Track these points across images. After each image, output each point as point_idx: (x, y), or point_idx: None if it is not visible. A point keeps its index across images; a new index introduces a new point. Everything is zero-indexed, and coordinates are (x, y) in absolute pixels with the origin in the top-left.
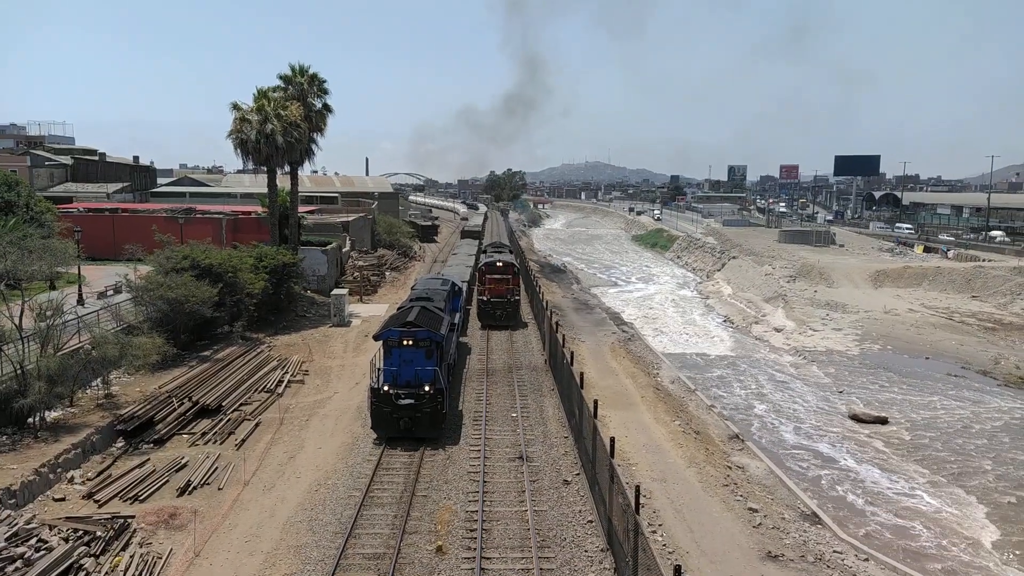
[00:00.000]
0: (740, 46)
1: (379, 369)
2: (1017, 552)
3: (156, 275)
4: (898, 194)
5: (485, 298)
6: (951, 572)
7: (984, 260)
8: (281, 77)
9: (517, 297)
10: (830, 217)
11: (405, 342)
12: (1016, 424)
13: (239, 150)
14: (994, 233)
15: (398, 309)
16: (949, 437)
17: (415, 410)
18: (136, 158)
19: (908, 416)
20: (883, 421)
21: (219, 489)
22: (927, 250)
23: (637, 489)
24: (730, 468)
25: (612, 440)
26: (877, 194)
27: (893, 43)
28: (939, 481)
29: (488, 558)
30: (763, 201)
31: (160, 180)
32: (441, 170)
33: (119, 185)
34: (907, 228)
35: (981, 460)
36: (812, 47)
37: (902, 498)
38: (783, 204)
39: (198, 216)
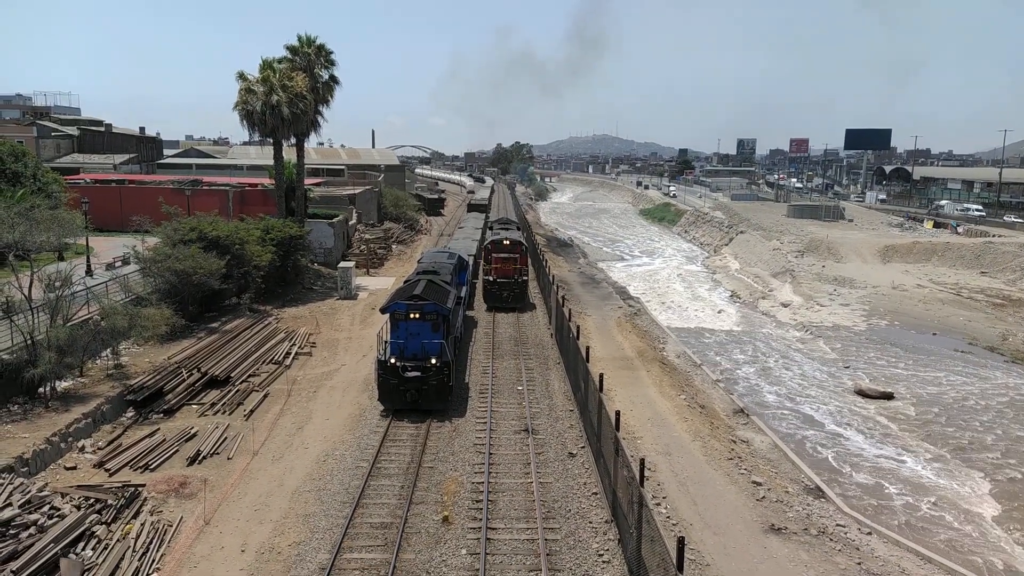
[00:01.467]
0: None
1: (386, 342)
2: (1020, 526)
3: (164, 247)
4: (909, 168)
5: (491, 279)
6: (954, 546)
7: (994, 236)
8: (288, 48)
9: (525, 277)
10: (859, 196)
11: (412, 315)
12: (1022, 400)
13: (245, 122)
14: (969, 205)
15: (405, 282)
16: (955, 413)
17: (422, 382)
18: (142, 129)
19: (914, 392)
20: (889, 396)
21: (228, 459)
22: (937, 225)
23: (642, 462)
24: (734, 442)
25: (617, 413)
26: (887, 168)
27: (909, 21)
28: (944, 456)
29: (494, 528)
30: (774, 176)
31: (166, 151)
32: (448, 142)
33: (125, 156)
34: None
35: (986, 436)
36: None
37: (907, 473)
38: (796, 180)
39: (205, 188)
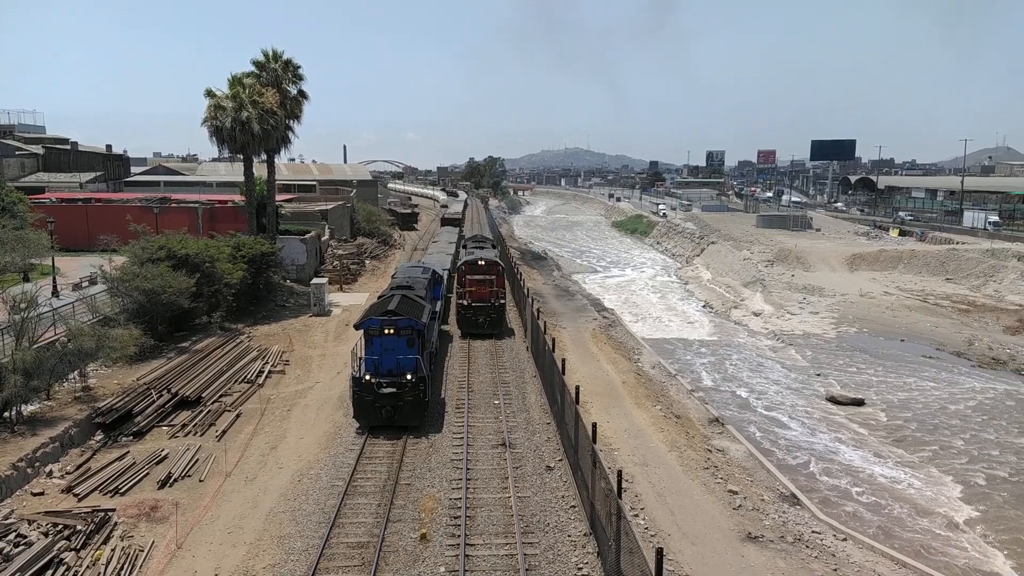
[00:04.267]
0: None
1: (360, 358)
2: (990, 529)
3: (132, 266)
4: (873, 178)
5: (465, 303)
6: (927, 550)
7: (958, 243)
8: (255, 63)
9: (503, 300)
10: (840, 204)
11: (386, 331)
12: (989, 404)
13: (214, 138)
14: (901, 214)
15: (379, 298)
16: (924, 418)
17: (397, 399)
18: (109, 147)
19: (884, 397)
20: (860, 403)
21: (200, 481)
22: (902, 234)
23: (619, 474)
24: (710, 451)
25: (594, 425)
26: (853, 178)
27: (870, 35)
28: (915, 461)
29: (472, 544)
30: (748, 188)
31: (134, 169)
32: (420, 157)
33: (92, 175)
34: (903, 215)
35: (955, 440)
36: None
37: (879, 478)
38: (768, 192)
39: (173, 205)
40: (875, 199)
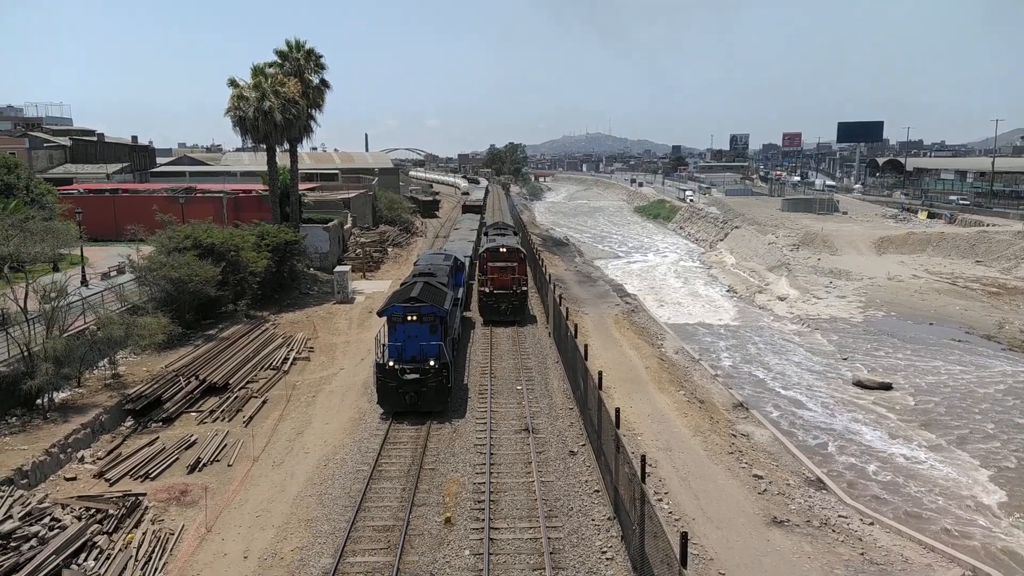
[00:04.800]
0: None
1: (384, 345)
2: (1021, 514)
3: (159, 255)
4: (901, 160)
5: (487, 290)
6: (955, 535)
7: (988, 225)
8: (277, 53)
9: (525, 288)
10: (857, 186)
11: (409, 317)
12: (1020, 388)
13: (237, 128)
14: (953, 197)
15: (401, 285)
16: (953, 402)
17: (420, 384)
18: (135, 138)
19: (912, 382)
20: (887, 387)
21: (228, 466)
22: (931, 216)
23: (643, 458)
24: (735, 436)
25: (617, 410)
26: (880, 160)
27: (897, 12)
28: (943, 445)
29: (496, 528)
30: (773, 172)
31: (159, 160)
32: (441, 144)
33: (118, 166)
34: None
35: (985, 424)
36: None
37: (906, 462)
38: (796, 175)
39: (198, 195)
40: (903, 181)
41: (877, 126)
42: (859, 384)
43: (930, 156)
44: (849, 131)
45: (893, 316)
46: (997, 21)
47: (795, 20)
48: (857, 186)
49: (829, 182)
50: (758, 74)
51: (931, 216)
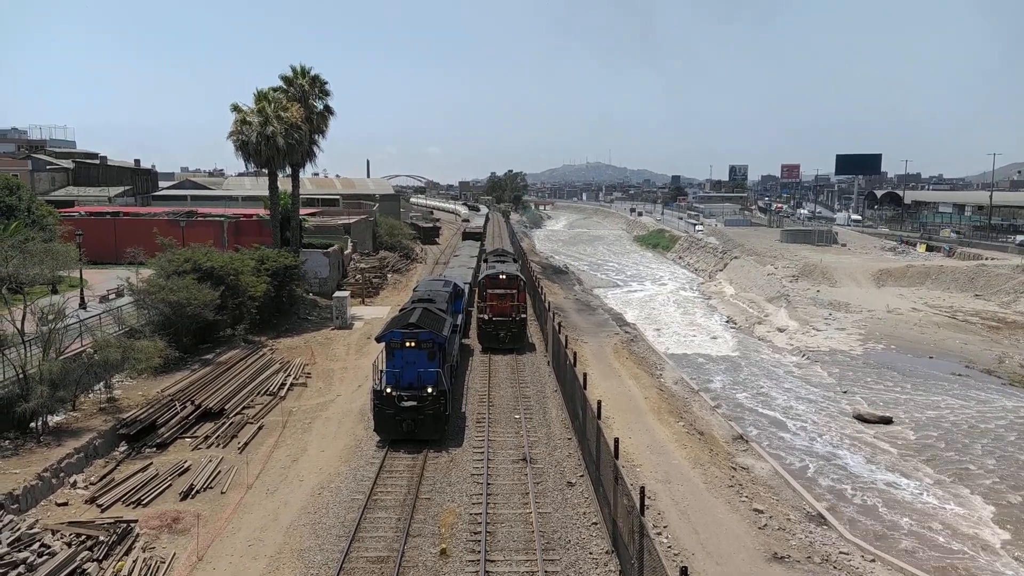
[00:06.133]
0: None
1: (382, 371)
2: (1022, 551)
3: (158, 278)
4: (900, 192)
5: (486, 317)
6: (959, 571)
7: (987, 258)
8: (282, 78)
9: (524, 315)
10: (856, 217)
11: (407, 344)
12: (1021, 423)
13: (240, 152)
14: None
15: (400, 311)
16: (954, 437)
17: (418, 412)
18: (137, 161)
19: (913, 416)
20: (888, 421)
21: (222, 493)
22: (930, 249)
23: (642, 490)
24: (735, 469)
25: (616, 441)
26: (879, 193)
27: (895, 42)
28: (945, 481)
29: (492, 560)
30: (775, 204)
31: (161, 183)
32: (442, 171)
33: (120, 189)
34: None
35: (987, 459)
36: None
37: (908, 498)
38: (803, 207)
39: (199, 219)
40: (901, 214)
41: (875, 159)
42: (859, 418)
43: (928, 189)
44: (847, 163)
45: (893, 349)
46: (1010, 62)
47: (794, 53)
48: (855, 216)
49: (818, 210)
50: (758, 105)
51: (930, 249)
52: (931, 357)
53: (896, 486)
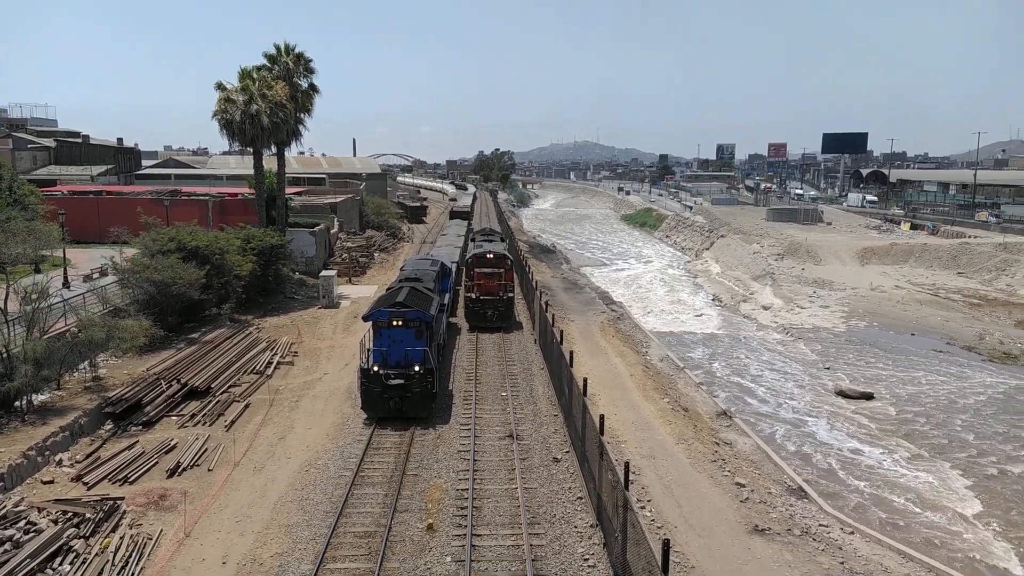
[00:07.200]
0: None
1: (369, 350)
2: (999, 523)
3: (142, 257)
4: (885, 171)
5: (474, 295)
6: (936, 544)
7: (970, 236)
8: (266, 56)
9: (511, 294)
10: (872, 198)
11: (395, 322)
12: (999, 398)
13: (224, 131)
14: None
15: (387, 290)
16: (934, 412)
17: (405, 390)
18: (120, 140)
19: (894, 391)
20: (869, 397)
21: (209, 470)
22: (914, 227)
23: (626, 465)
24: (718, 444)
25: (602, 417)
26: (864, 171)
27: (883, 22)
28: (924, 455)
29: (479, 535)
30: (763, 184)
31: (145, 162)
32: (430, 151)
33: (103, 167)
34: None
35: (965, 434)
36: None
37: (888, 472)
38: (798, 186)
39: (184, 198)
40: (887, 192)
41: (862, 137)
42: (841, 393)
43: (914, 168)
44: (834, 142)
45: (875, 326)
46: (967, 37)
47: (783, 32)
48: (870, 197)
49: (798, 190)
50: (746, 84)
51: (914, 227)
52: (913, 334)
53: (876, 460)
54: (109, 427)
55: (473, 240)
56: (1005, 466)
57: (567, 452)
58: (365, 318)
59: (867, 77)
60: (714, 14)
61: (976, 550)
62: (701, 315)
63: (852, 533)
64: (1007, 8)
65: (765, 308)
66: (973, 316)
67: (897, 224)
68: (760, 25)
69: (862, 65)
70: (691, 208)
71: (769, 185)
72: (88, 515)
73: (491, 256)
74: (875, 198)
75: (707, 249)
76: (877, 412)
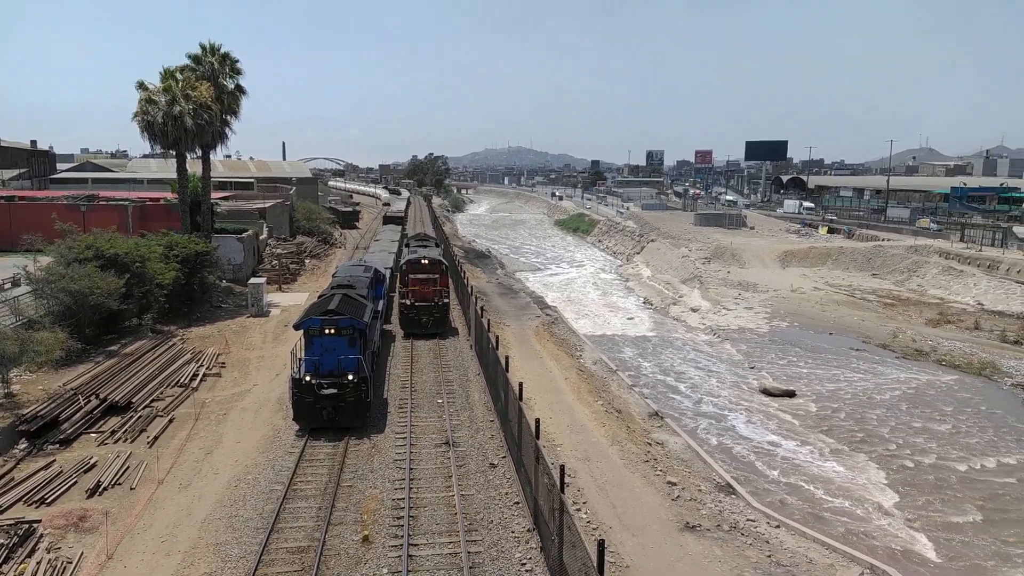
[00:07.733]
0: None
1: (300, 359)
2: (915, 513)
3: (57, 266)
4: (804, 178)
5: (408, 302)
6: (856, 534)
7: (883, 239)
8: (190, 56)
9: (446, 300)
10: (809, 204)
11: (327, 331)
12: (911, 393)
13: (145, 133)
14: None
15: (319, 297)
16: (852, 408)
17: (338, 399)
18: (34, 143)
19: (814, 389)
20: (791, 394)
21: (131, 489)
22: (831, 231)
23: (562, 468)
24: (650, 444)
25: (537, 421)
26: (785, 178)
27: (802, 37)
28: (843, 450)
29: (416, 544)
30: (692, 190)
31: (60, 166)
32: (362, 154)
33: (15, 171)
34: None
35: (882, 428)
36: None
37: (810, 466)
38: (729, 194)
39: (102, 203)
40: (805, 198)
41: (782, 145)
42: (765, 392)
43: (831, 174)
44: (756, 150)
45: (796, 326)
46: (881, 52)
47: (712, 43)
48: (807, 204)
49: (729, 196)
50: (674, 94)
51: (831, 231)
52: (831, 333)
53: (798, 455)
54: (24, 446)
55: (407, 246)
56: (919, 458)
57: (504, 457)
58: (296, 327)
59: (788, 87)
60: (647, 27)
61: (894, 539)
62: (633, 318)
63: (778, 527)
64: (918, 24)
65: (694, 310)
66: (887, 315)
67: (815, 228)
68: (689, 38)
69: (783, 76)
70: (623, 213)
71: (698, 191)
72: (1, 540)
73: (426, 262)
74: (812, 205)
75: (638, 253)
76: (799, 409)
